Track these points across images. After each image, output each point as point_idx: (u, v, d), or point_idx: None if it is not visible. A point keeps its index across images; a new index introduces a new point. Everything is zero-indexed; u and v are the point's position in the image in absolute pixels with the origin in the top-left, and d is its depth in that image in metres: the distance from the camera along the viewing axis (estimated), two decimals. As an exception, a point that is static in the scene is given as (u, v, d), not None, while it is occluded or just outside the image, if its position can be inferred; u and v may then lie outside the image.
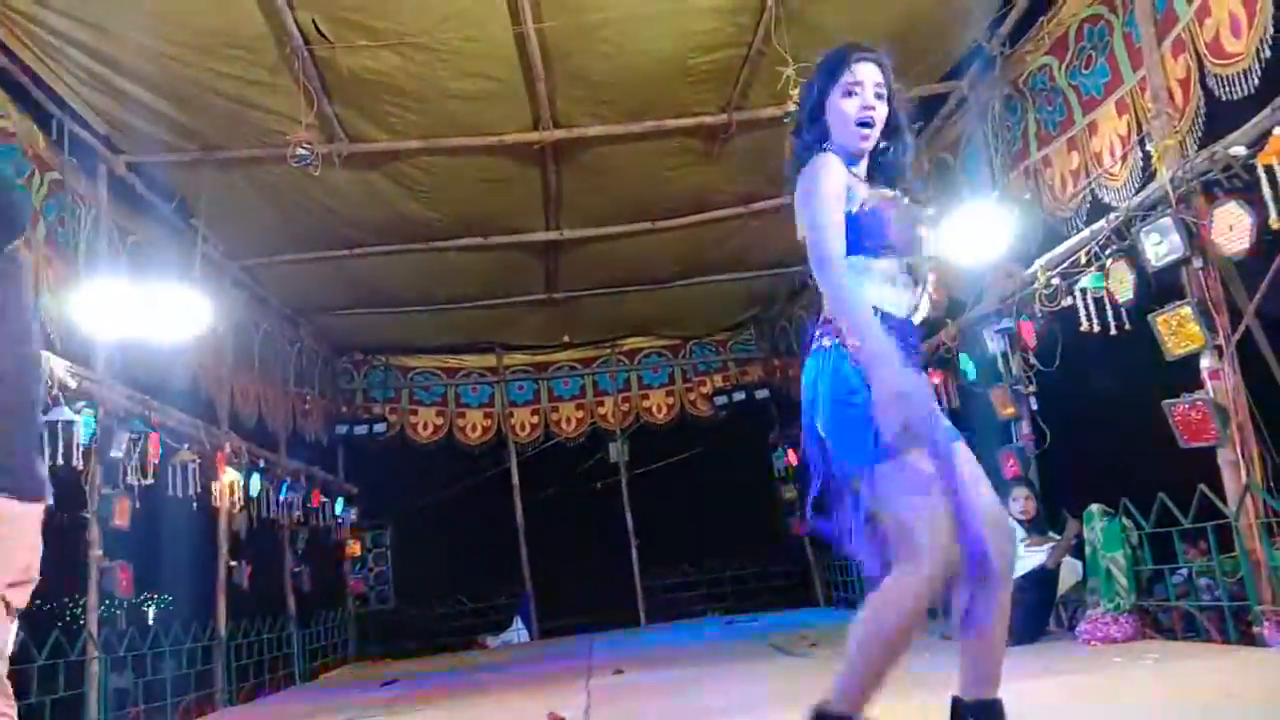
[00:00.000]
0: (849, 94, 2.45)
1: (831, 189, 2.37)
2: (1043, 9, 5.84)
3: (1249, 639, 4.52)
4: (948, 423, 2.37)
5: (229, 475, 7.88)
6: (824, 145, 2.46)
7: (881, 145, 2.51)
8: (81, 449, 5.72)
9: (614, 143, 7.17)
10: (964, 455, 2.31)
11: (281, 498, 9.15)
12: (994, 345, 6.49)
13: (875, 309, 2.32)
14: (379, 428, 11.39)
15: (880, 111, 2.45)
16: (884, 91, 2.46)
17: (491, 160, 7.25)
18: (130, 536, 6.34)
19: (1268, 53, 4.15)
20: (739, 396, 11.90)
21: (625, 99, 6.64)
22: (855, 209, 2.38)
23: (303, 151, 5.96)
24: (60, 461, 5.47)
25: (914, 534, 2.15)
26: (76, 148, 6.13)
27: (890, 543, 2.20)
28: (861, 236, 2.38)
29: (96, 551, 6.02)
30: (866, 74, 2.45)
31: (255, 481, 8.46)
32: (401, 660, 10.34)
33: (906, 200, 2.50)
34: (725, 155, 7.43)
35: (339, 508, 11.01)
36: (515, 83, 6.28)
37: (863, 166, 2.52)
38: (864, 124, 2.43)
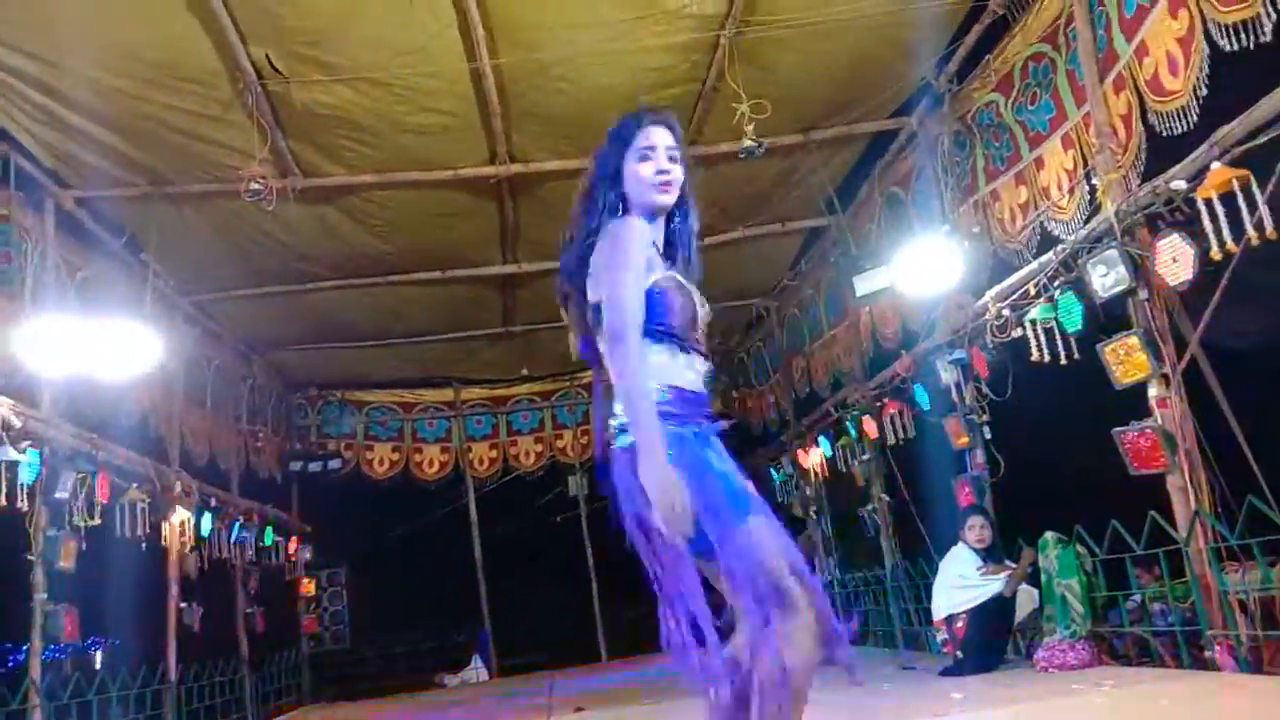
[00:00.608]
0: (644, 158, 2.43)
1: (636, 257, 2.30)
2: (988, 47, 5.97)
3: (1202, 663, 4.58)
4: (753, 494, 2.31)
5: (179, 515, 7.72)
6: (615, 205, 2.42)
7: (674, 213, 2.51)
8: (26, 489, 5.57)
9: (570, 177, 7.17)
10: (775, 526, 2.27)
11: (233, 537, 8.97)
12: (947, 376, 6.57)
13: (674, 387, 2.30)
14: (334, 464, 11.23)
15: (676, 174, 2.44)
16: (677, 155, 2.45)
17: (447, 194, 7.25)
18: (76, 579, 6.16)
19: (1204, 90, 4.27)
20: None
21: (581, 134, 6.67)
22: (649, 284, 2.33)
23: (256, 186, 5.91)
24: (3, 502, 5.32)
25: (785, 585, 2.12)
26: (23, 182, 6.02)
27: (764, 600, 2.12)
28: (654, 315, 2.31)
29: (41, 595, 5.84)
30: (659, 138, 2.44)
31: (206, 521, 8.29)
32: (357, 701, 10.13)
33: (684, 280, 2.45)
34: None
35: (293, 546, 10.81)
36: (471, 118, 6.30)
37: (659, 227, 2.49)
38: (664, 183, 2.42)
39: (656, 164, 2.42)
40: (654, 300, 2.31)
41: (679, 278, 2.42)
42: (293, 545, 10.83)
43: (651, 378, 2.26)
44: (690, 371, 2.36)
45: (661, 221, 2.51)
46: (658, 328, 2.31)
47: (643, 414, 2.17)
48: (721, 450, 2.32)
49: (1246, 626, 4.34)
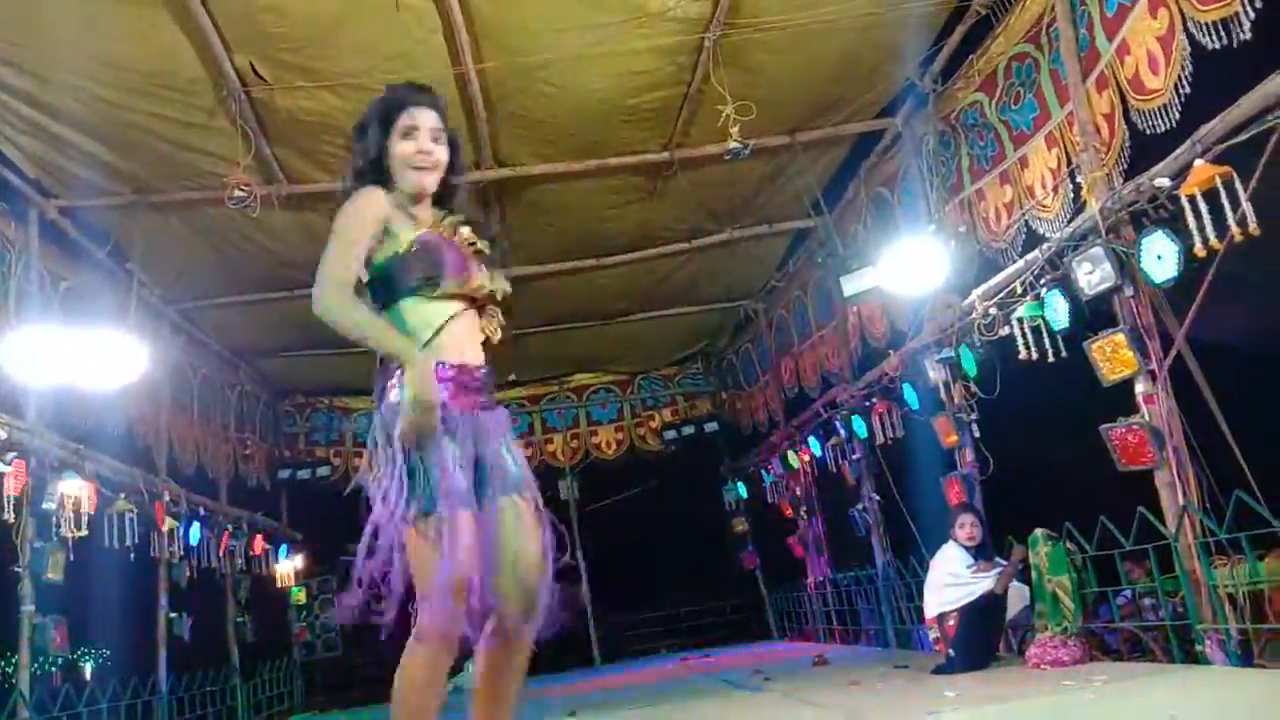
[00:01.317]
0: (407, 136, 2.50)
1: (359, 219, 2.40)
2: (972, 47, 6.00)
3: (1193, 658, 4.60)
4: (514, 469, 2.37)
5: (168, 524, 7.68)
6: (377, 181, 2.48)
7: (449, 185, 2.59)
8: (12, 501, 5.53)
9: (557, 181, 7.20)
10: (514, 509, 2.32)
11: (222, 547, 8.93)
12: (935, 374, 6.59)
13: (443, 363, 2.34)
14: (322, 471, 11.19)
15: (439, 155, 2.51)
16: (441, 136, 2.52)
17: (434, 200, 7.23)
18: (65, 590, 6.13)
19: (1186, 88, 4.30)
20: (688, 430, 11.93)
21: (567, 138, 6.68)
22: (404, 249, 2.40)
23: (240, 193, 5.89)
24: (-11, 515, 5.29)
25: (423, 601, 2.16)
26: (6, 192, 6.00)
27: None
28: (409, 274, 2.39)
29: (29, 607, 5.81)
30: (423, 119, 2.50)
31: (195, 530, 8.25)
32: (349, 709, 10.09)
33: (470, 236, 2.54)
34: (668, 192, 7.49)
35: (283, 555, 10.77)
36: (457, 122, 6.23)
37: (425, 207, 2.55)
38: (422, 167, 2.48)
39: (418, 143, 2.47)
40: (413, 257, 2.38)
41: (450, 231, 2.49)
42: (282, 553, 10.77)
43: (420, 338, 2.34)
44: (461, 339, 2.41)
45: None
46: (424, 280, 2.38)
47: (371, 329, 2.31)
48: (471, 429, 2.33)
49: (1236, 620, 4.36)
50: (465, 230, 2.55)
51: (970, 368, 5.65)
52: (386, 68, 5.60)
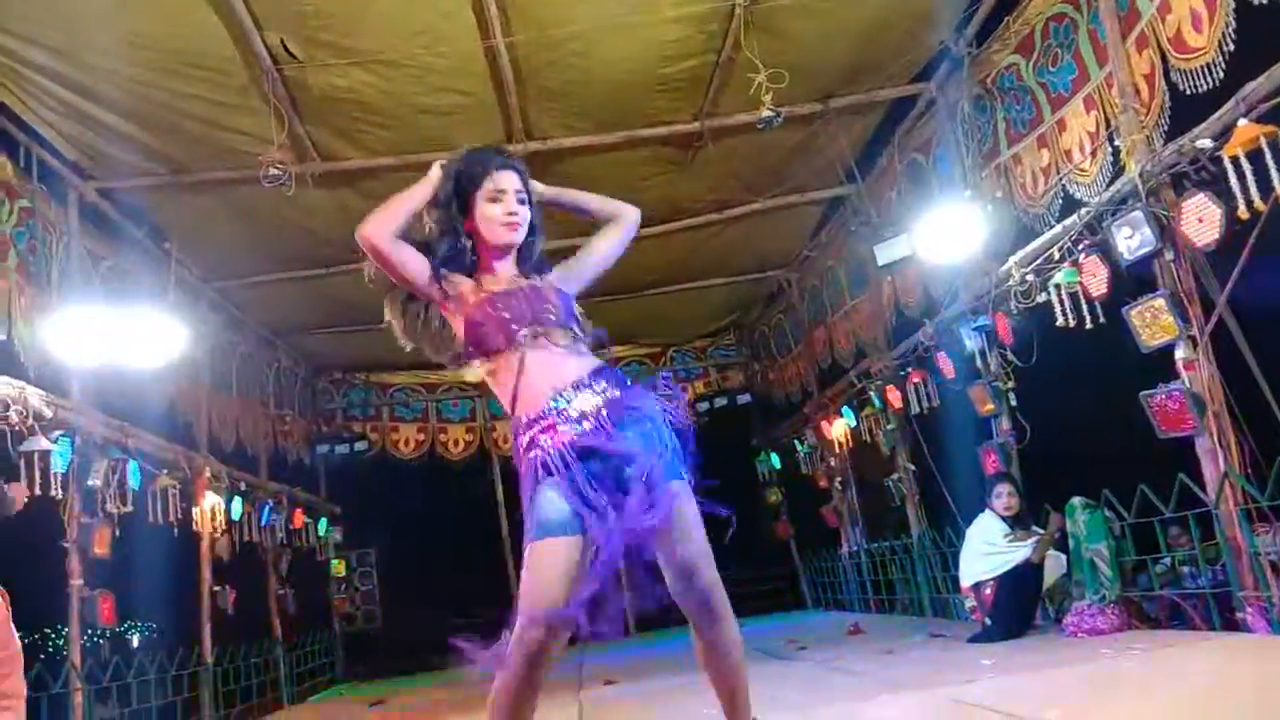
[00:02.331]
0: (494, 200, 2.63)
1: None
2: (1008, 9, 5.88)
3: (1233, 625, 4.56)
4: (657, 460, 2.39)
5: (210, 500, 7.82)
6: (455, 246, 2.64)
7: (527, 240, 2.73)
8: (59, 478, 5.66)
9: (588, 154, 7.18)
10: (676, 505, 2.36)
11: (264, 520, 9.08)
12: (971, 343, 6.53)
13: (519, 419, 2.49)
14: (360, 446, 11.32)
15: (524, 214, 2.66)
16: (525, 196, 2.68)
17: (466, 175, 7.24)
18: (111, 565, 6.27)
19: (1230, 46, 4.20)
20: (721, 402, 11.92)
21: (598, 110, 6.65)
22: (471, 312, 2.56)
23: (275, 171, 5.93)
24: (38, 491, 5.41)
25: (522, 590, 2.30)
26: (45, 174, 6.09)
27: None
28: (479, 340, 2.56)
29: (77, 581, 5.95)
30: (508, 182, 2.65)
31: (237, 505, 8.39)
32: (390, 680, 10.26)
33: (541, 282, 2.67)
34: (699, 163, 7.45)
35: (322, 528, 10.93)
36: (487, 97, 6.28)
37: (508, 262, 2.70)
38: (511, 225, 2.64)
39: (506, 206, 2.63)
40: (476, 325, 2.57)
41: (521, 281, 2.66)
42: (322, 527, 10.93)
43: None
44: (539, 382, 2.49)
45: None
46: (488, 343, 2.58)
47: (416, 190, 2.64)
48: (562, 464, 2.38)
49: (1278, 588, 4.31)
50: (526, 281, 2.66)
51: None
52: (417, 43, 5.61)
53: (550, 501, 2.33)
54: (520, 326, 2.52)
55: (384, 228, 2.58)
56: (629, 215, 2.83)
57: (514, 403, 2.50)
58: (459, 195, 2.64)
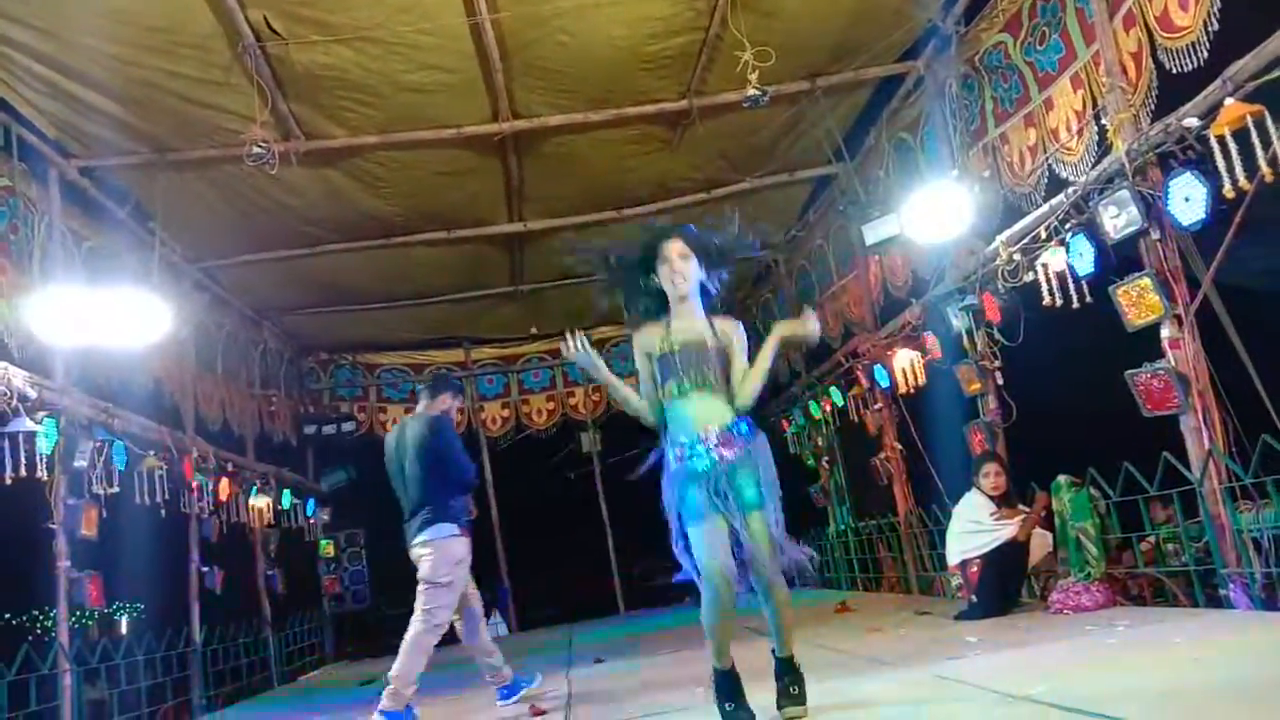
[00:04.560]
0: (665, 261, 3.50)
1: (637, 355, 3.58)
2: (996, -13, 5.87)
3: (1216, 602, 4.60)
4: (750, 494, 3.35)
5: (197, 480, 7.79)
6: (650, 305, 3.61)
7: (702, 283, 3.58)
8: (44, 459, 5.62)
9: (575, 132, 7.15)
10: (753, 521, 3.33)
11: (251, 501, 9.06)
12: (958, 322, 6.54)
13: (674, 446, 3.43)
14: (347, 426, 11.30)
15: (687, 271, 3.49)
16: (688, 254, 3.51)
17: (451, 153, 7.20)
18: (99, 546, 6.25)
19: (1215, 25, 4.20)
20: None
21: (584, 88, 6.61)
22: (658, 353, 3.48)
23: (259, 150, 5.88)
24: (23, 473, 5.38)
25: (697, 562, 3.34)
26: (26, 153, 6.01)
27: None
28: (663, 375, 3.48)
29: (64, 563, 5.93)
30: (674, 249, 3.50)
31: (224, 486, 8.37)
32: (380, 659, 10.28)
33: (709, 335, 3.48)
34: (687, 141, 7.42)
35: (310, 509, 10.92)
36: (472, 74, 6.24)
37: (687, 305, 3.52)
38: (679, 280, 3.49)
39: (673, 267, 3.49)
40: (659, 365, 3.49)
41: (693, 338, 3.48)
42: (310, 507, 10.92)
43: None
44: (686, 422, 3.43)
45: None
46: (664, 380, 3.48)
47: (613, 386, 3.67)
48: (698, 471, 3.36)
49: (1261, 564, 4.35)
50: (692, 339, 3.46)
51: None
52: (401, 20, 5.56)
53: (698, 500, 3.34)
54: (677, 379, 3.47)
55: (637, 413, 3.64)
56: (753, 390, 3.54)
57: (671, 431, 3.48)
58: (649, 264, 3.58)
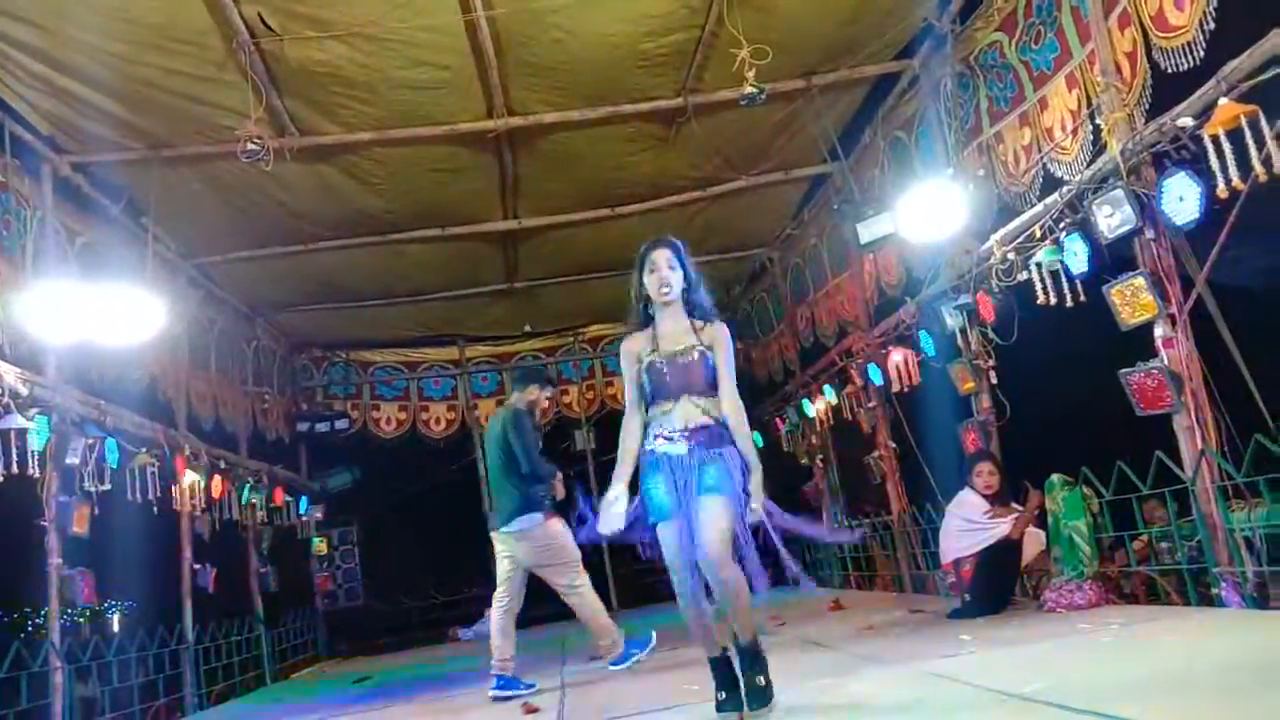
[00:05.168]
0: (651, 271, 3.69)
1: (624, 360, 3.75)
2: (992, -15, 5.87)
3: (1208, 601, 4.62)
4: (710, 481, 3.43)
5: (189, 478, 7.77)
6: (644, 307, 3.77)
7: (686, 294, 3.73)
8: (36, 457, 5.60)
9: (570, 129, 7.14)
10: (704, 504, 3.41)
11: (244, 499, 9.04)
12: (952, 321, 6.55)
13: (651, 450, 3.56)
14: (341, 424, 11.29)
15: (672, 279, 3.66)
16: (675, 264, 3.68)
17: (446, 150, 7.19)
18: (91, 544, 6.23)
19: (1210, 24, 4.20)
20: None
21: (580, 85, 6.60)
22: (644, 366, 3.65)
23: (253, 146, 5.86)
24: (14, 470, 5.36)
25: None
26: (18, 148, 5.98)
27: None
28: (650, 385, 3.64)
29: (56, 560, 5.90)
30: (660, 257, 3.68)
31: (216, 483, 8.34)
32: (373, 657, 10.28)
33: (695, 342, 3.62)
34: (682, 139, 7.42)
35: (303, 506, 10.90)
36: (467, 71, 6.22)
37: (674, 312, 3.70)
38: (662, 289, 3.66)
39: (660, 275, 3.67)
40: (647, 376, 3.65)
41: (678, 348, 3.64)
42: (303, 505, 10.90)
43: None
44: (665, 434, 3.56)
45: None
46: (651, 393, 3.66)
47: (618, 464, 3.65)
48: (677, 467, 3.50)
49: (1253, 563, 4.36)
50: (677, 349, 3.62)
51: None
52: (395, 16, 5.54)
53: (661, 493, 3.50)
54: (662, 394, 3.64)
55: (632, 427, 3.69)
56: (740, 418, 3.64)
57: (648, 431, 3.62)
58: (639, 277, 3.75)
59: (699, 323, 3.70)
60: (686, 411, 3.55)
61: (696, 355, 3.60)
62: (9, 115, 5.84)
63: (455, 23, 5.67)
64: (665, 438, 3.55)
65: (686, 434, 3.52)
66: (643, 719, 4.00)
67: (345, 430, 11.33)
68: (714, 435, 3.53)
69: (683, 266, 3.72)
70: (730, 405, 3.60)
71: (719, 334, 3.68)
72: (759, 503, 3.49)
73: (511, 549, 5.72)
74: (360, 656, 10.50)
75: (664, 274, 3.66)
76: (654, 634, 5.86)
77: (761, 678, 3.50)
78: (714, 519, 3.37)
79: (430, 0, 5.48)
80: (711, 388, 3.61)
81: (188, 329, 8.29)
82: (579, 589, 5.71)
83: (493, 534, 5.83)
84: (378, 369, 12.20)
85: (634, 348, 3.72)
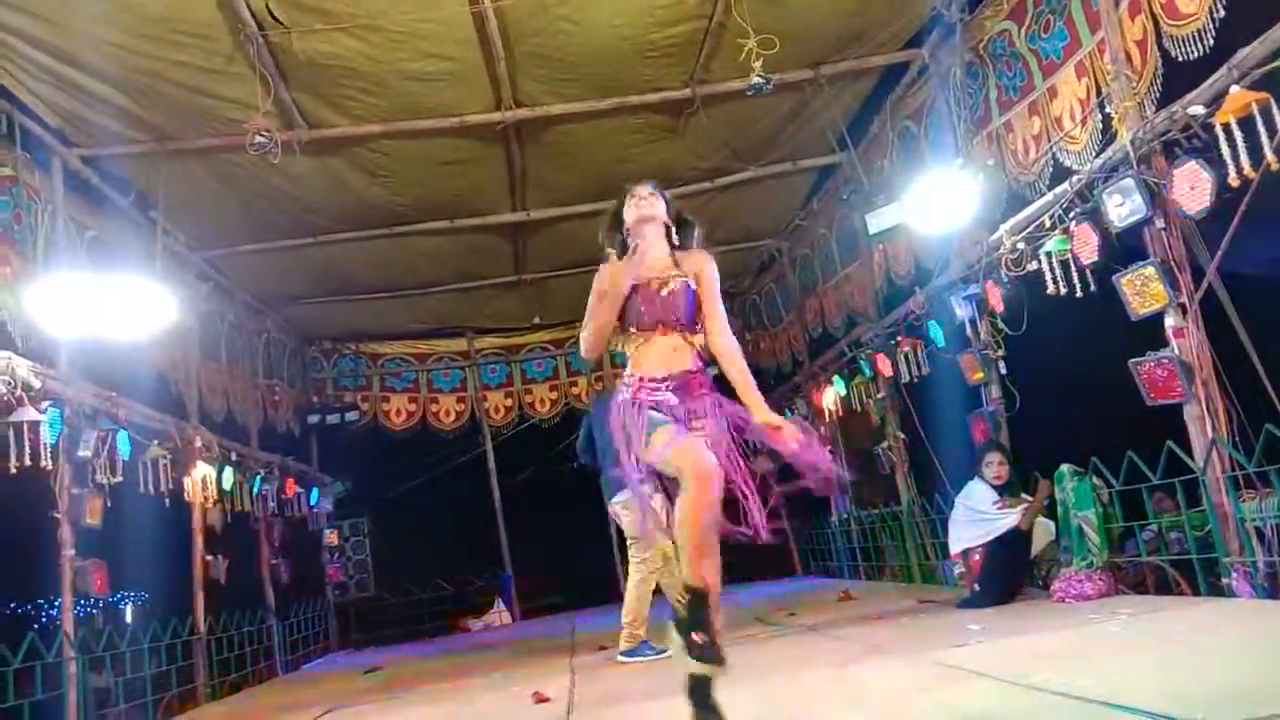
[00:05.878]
0: (631, 198, 3.57)
1: (596, 287, 3.40)
2: (1001, -26, 5.84)
3: (1218, 590, 4.61)
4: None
5: (201, 470, 7.81)
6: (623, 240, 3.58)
7: (669, 229, 3.57)
8: (49, 449, 5.63)
9: (578, 121, 7.13)
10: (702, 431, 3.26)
11: (255, 490, 9.09)
12: (962, 311, 6.53)
13: (635, 376, 3.33)
14: (351, 416, 11.31)
15: (654, 200, 3.53)
16: (653, 195, 3.55)
17: (454, 142, 7.19)
18: (104, 535, 6.26)
19: (1221, 12, 4.18)
20: (712, 371, 11.89)
21: (587, 76, 6.59)
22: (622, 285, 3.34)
23: (261, 139, 5.87)
24: (27, 463, 5.39)
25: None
26: (28, 142, 6.00)
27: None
28: (628, 312, 3.37)
29: (69, 552, 5.94)
30: (640, 190, 3.57)
31: (228, 475, 8.38)
32: (384, 647, 10.32)
33: (674, 270, 3.42)
34: (690, 130, 7.40)
35: (314, 498, 10.95)
36: (475, 63, 6.22)
37: (652, 235, 3.49)
38: (639, 207, 3.53)
39: (638, 201, 3.54)
40: (628, 302, 3.36)
41: (662, 275, 3.41)
42: (314, 497, 10.95)
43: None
44: (654, 359, 3.35)
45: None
46: (632, 319, 3.38)
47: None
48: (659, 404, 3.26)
49: (1263, 553, 4.35)
50: (654, 276, 3.39)
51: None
52: (402, 8, 5.55)
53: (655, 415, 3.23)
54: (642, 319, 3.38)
55: (592, 349, 3.50)
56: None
57: (636, 364, 3.37)
58: (618, 208, 3.65)
59: (679, 253, 3.50)
60: (667, 354, 3.33)
61: (677, 285, 3.37)
62: (19, 109, 5.87)
63: (462, 14, 5.67)
64: (650, 388, 3.28)
65: (671, 385, 3.28)
66: (652, 704, 4.01)
67: (355, 422, 11.35)
68: (701, 382, 3.35)
69: (665, 203, 3.58)
70: (723, 342, 3.40)
71: (703, 263, 3.46)
72: (773, 418, 3.30)
73: (621, 519, 6.05)
74: (371, 647, 10.54)
75: (644, 198, 3.52)
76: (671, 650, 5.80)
77: (704, 633, 3.10)
78: (701, 440, 3.18)
79: (437, -8, 5.48)
80: (694, 322, 3.39)
81: (198, 321, 8.32)
82: (639, 565, 5.78)
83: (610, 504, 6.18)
84: (387, 361, 12.23)
85: (611, 271, 3.42)
